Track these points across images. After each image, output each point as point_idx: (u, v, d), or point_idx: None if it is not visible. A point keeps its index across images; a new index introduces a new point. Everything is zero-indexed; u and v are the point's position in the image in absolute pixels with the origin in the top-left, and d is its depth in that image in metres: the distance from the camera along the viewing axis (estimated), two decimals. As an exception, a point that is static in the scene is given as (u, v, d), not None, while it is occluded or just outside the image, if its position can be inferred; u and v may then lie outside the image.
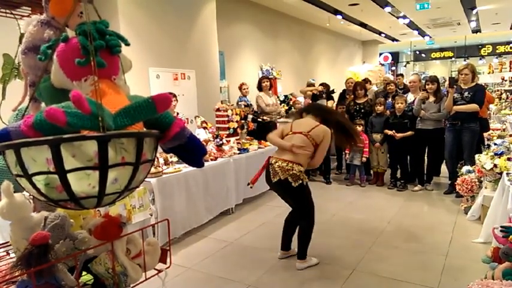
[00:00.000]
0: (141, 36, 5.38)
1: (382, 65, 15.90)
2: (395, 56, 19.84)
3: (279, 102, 7.17)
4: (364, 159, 5.67)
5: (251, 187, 3.21)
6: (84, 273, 0.97)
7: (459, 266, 3.16)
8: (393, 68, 19.25)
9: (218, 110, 6.34)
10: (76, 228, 1.10)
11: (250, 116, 6.28)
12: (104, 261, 0.92)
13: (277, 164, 3.01)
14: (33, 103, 0.98)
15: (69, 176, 0.69)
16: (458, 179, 4.51)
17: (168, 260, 1.08)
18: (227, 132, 5.70)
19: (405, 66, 21.30)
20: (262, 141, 5.99)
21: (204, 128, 5.44)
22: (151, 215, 3.95)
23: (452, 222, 4.19)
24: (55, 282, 0.84)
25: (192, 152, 0.94)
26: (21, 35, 1.24)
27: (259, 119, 6.37)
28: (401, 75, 8.13)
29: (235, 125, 5.98)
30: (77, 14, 0.97)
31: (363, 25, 12.56)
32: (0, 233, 3.10)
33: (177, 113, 5.14)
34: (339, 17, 10.67)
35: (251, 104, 6.57)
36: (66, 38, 0.85)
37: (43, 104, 1.00)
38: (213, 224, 4.30)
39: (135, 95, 0.93)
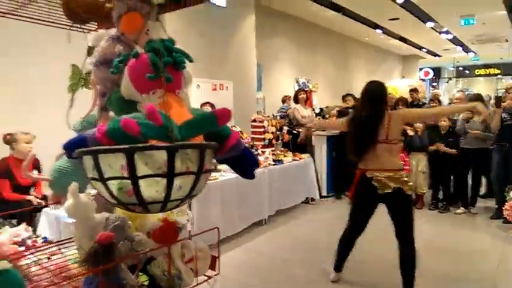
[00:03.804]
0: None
1: (423, 80, 15.45)
2: (437, 72, 19.20)
3: (314, 114, 7.15)
4: (404, 177, 5.50)
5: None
6: (140, 273, 1.02)
7: (506, 296, 2.98)
8: (434, 83, 18.63)
9: (254, 120, 6.41)
10: (132, 230, 1.16)
11: (285, 128, 6.31)
12: (161, 263, 0.97)
13: (382, 176, 2.67)
14: (103, 112, 1.07)
15: (141, 182, 0.75)
16: (506, 203, 4.27)
17: (216, 267, 1.11)
18: (262, 143, 5.74)
19: (447, 82, 20.56)
20: (297, 153, 6.00)
21: (240, 138, 5.52)
22: (188, 221, 4.04)
23: (499, 249, 3.96)
24: (118, 280, 0.90)
25: (245, 163, 0.98)
26: (89, 48, 1.34)
27: (294, 131, 6.38)
28: (415, 89, 7.45)
29: (271, 136, 6.02)
30: (144, 31, 1.05)
31: (403, 39, 12.32)
32: (49, 230, 3.29)
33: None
34: (379, 31, 10.54)
35: (287, 115, 6.61)
36: (137, 54, 0.92)
37: (111, 113, 1.08)
38: (246, 234, 4.32)
39: (195, 108, 0.98)
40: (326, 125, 3.19)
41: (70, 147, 0.87)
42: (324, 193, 6.33)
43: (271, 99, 7.94)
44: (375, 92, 2.77)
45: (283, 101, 6.86)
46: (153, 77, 0.88)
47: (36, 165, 3.93)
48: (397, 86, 9.68)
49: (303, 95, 6.58)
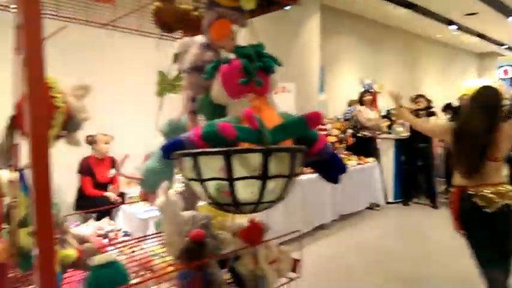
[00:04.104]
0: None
1: (503, 79, 14.10)
2: (518, 70, 17.38)
3: (380, 117, 6.87)
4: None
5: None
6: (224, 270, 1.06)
7: None
8: (515, 83, 16.88)
9: (317, 123, 6.30)
10: (215, 229, 1.21)
11: (349, 131, 6.14)
12: (247, 263, 1.00)
13: (485, 191, 2.27)
14: (192, 115, 1.13)
15: (237, 183, 0.78)
16: None
17: (297, 269, 1.12)
18: (326, 147, 5.64)
19: (530, 81, 18.52)
20: (362, 156, 5.81)
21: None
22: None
23: None
24: (208, 276, 0.94)
25: (331, 168, 0.97)
26: (175, 55, 1.42)
27: (358, 134, 6.18)
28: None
29: (334, 139, 5.90)
30: (230, 38, 1.09)
31: (481, 36, 11.34)
32: (126, 225, 3.53)
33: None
34: (453, 27, 9.82)
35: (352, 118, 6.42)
36: (229, 59, 0.96)
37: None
38: (309, 237, 4.28)
39: (284, 112, 1.00)
40: (416, 123, 2.80)
41: (167, 149, 0.92)
42: (391, 199, 6.06)
43: (334, 102, 7.77)
44: (491, 99, 2.33)
45: (350, 105, 6.67)
46: (245, 81, 0.91)
47: (113, 164, 4.27)
48: (473, 86, 8.91)
49: (368, 97, 6.37)
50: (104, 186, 4.16)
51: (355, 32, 8.76)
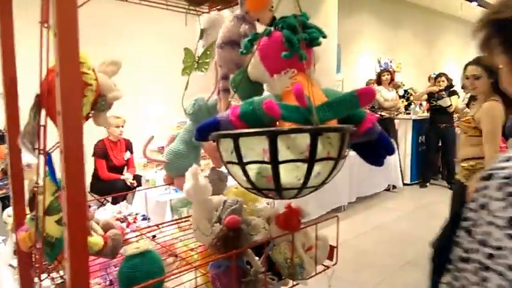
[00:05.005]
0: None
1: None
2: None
3: (398, 97, 6.68)
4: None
5: None
6: (256, 258, 1.01)
7: None
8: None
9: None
10: (245, 215, 1.15)
11: (367, 111, 6.00)
12: (284, 251, 0.94)
13: None
14: (224, 94, 1.05)
15: (281, 167, 0.71)
16: None
17: (334, 257, 1.06)
18: (342, 127, 5.55)
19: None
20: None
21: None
22: (268, 204, 4.08)
23: None
24: (243, 265, 0.89)
25: (377, 149, 0.90)
26: (202, 31, 1.34)
27: (376, 115, 6.04)
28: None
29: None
30: (268, 8, 1.00)
31: (503, 11, 10.85)
32: (142, 208, 3.53)
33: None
34: (474, 3, 9.40)
35: None
36: (270, 32, 0.87)
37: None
38: (324, 221, 4.23)
39: (327, 88, 0.92)
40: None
41: (203, 130, 0.86)
42: (408, 181, 5.97)
43: (351, 81, 7.58)
44: None
45: (367, 85, 6.50)
46: (288, 55, 0.83)
47: (129, 147, 4.25)
48: (494, 64, 8.57)
49: (386, 76, 6.18)
50: (119, 169, 4.15)
51: (373, 10, 8.46)
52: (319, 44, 0.89)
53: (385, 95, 6.09)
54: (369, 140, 0.86)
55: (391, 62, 8.06)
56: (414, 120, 6.08)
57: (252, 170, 0.74)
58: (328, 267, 1.03)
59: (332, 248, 1.07)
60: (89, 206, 2.08)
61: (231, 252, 0.83)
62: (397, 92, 6.83)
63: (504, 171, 0.60)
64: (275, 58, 0.85)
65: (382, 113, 6.01)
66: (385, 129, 5.93)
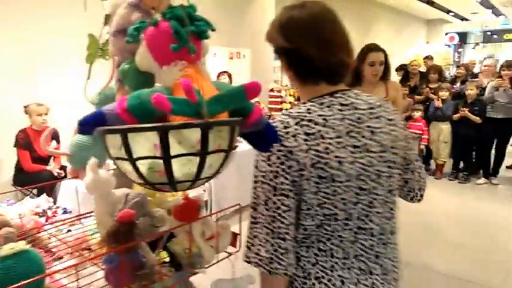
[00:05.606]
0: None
1: (449, 46, 14.75)
2: (463, 37, 18.25)
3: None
4: (422, 146, 5.37)
5: None
6: (160, 250, 1.01)
7: (528, 269, 2.94)
8: (460, 49, 17.77)
9: (272, 90, 6.29)
10: (151, 206, 1.14)
11: (303, 97, 6.18)
12: (182, 241, 0.95)
13: None
14: (120, 84, 1.02)
15: (173, 161, 0.72)
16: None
17: (237, 244, 1.09)
18: (280, 113, 5.68)
19: (474, 48, 19.57)
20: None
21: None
22: (205, 191, 4.08)
23: (520, 220, 3.89)
24: (138, 258, 0.89)
25: (263, 138, 0.93)
26: (107, 16, 1.28)
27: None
28: (429, 57, 7.31)
29: (289, 106, 5.92)
30: (165, -4, 0.97)
31: (430, 3, 11.65)
32: (68, 200, 3.35)
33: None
34: (404, -7, 9.97)
35: None
36: (156, 21, 0.85)
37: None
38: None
39: (218, 81, 0.92)
40: None
41: (87, 124, 0.82)
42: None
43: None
44: None
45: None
46: (177, 47, 0.81)
47: (55, 136, 3.98)
48: (420, 53, 9.20)
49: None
50: (45, 160, 3.88)
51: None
52: (207, 37, 0.88)
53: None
54: (256, 129, 0.89)
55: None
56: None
57: (143, 165, 0.73)
58: (231, 254, 1.06)
59: (235, 235, 1.10)
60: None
61: (119, 248, 0.82)
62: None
63: None
64: (164, 49, 0.84)
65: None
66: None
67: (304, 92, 1.03)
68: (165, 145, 0.70)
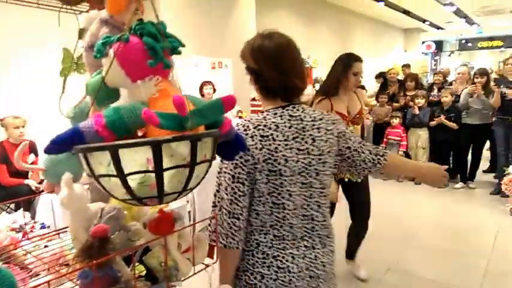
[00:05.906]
0: (183, 25, 5.43)
1: (426, 54, 15.19)
2: (439, 45, 18.85)
3: (314, 91, 7.05)
4: (400, 152, 5.49)
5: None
6: (137, 264, 1.01)
7: (502, 271, 3.02)
8: (436, 57, 18.33)
9: (253, 99, 6.33)
10: (128, 220, 1.14)
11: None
12: (157, 255, 0.95)
13: None
14: (94, 99, 1.02)
15: (165, 174, 0.74)
16: (505, 178, 4.29)
17: (214, 255, 1.10)
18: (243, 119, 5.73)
19: (449, 55, 20.23)
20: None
21: (240, 117, 5.47)
22: (188, 202, 4.05)
23: (496, 223, 4.00)
24: (112, 273, 0.88)
25: (231, 148, 0.97)
26: (81, 30, 1.28)
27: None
28: (407, 65, 7.55)
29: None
30: (132, 11, 0.99)
31: (406, 12, 12.01)
32: (46, 215, 3.28)
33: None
34: (381, 3, 10.26)
35: None
36: (127, 37, 0.86)
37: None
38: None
39: (190, 95, 0.94)
40: None
41: (62, 143, 0.81)
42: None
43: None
44: None
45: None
46: (153, 63, 0.83)
47: (32, 149, 3.90)
48: (397, 62, 9.45)
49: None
50: (23, 174, 3.79)
51: (291, 7, 8.78)
52: (179, 53, 0.90)
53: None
54: (226, 140, 0.92)
55: (308, 58, 8.43)
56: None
57: (133, 180, 0.74)
58: (208, 266, 1.07)
59: (212, 246, 1.10)
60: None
61: (92, 263, 0.81)
62: (313, 87, 7.22)
63: None
64: (138, 65, 0.85)
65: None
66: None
67: (264, 103, 1.26)
68: (158, 159, 0.72)
